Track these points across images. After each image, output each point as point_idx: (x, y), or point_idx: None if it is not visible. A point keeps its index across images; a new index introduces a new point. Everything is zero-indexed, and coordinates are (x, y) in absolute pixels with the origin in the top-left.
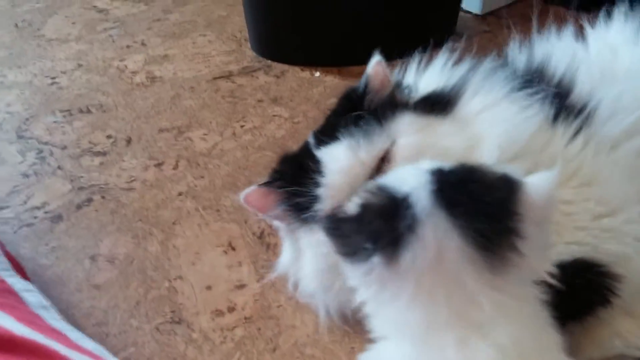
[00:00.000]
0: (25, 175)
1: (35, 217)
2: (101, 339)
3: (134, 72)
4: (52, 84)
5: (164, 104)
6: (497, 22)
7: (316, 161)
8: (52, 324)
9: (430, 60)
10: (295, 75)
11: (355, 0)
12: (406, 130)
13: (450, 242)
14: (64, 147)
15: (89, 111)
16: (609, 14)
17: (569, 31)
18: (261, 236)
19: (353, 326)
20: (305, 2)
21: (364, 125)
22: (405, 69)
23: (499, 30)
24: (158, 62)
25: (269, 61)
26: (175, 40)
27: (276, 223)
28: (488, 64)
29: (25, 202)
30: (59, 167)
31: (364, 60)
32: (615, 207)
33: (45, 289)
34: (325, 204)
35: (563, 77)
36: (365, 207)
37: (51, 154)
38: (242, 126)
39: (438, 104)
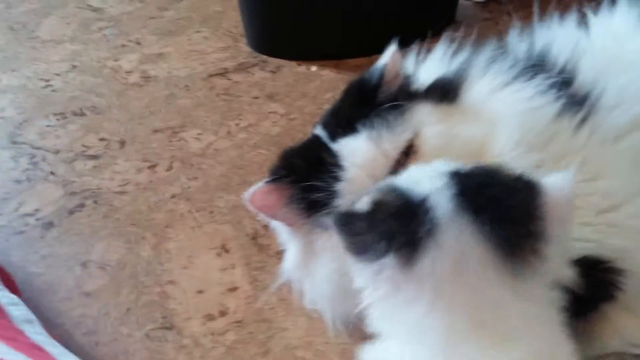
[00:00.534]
0: (18, 182)
1: (27, 225)
2: (91, 348)
3: (129, 72)
4: (46, 86)
5: (158, 104)
6: (498, 8)
7: (333, 154)
8: (34, 338)
9: (429, 49)
10: (292, 70)
11: None
12: (428, 120)
13: (474, 249)
14: (57, 152)
15: (82, 114)
16: (612, 1)
17: (571, 18)
18: (254, 237)
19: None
20: None
21: (384, 115)
22: (405, 59)
23: (500, 17)
24: (153, 61)
25: (265, 56)
26: (171, 37)
27: (276, 224)
28: (490, 50)
29: (17, 209)
30: (52, 172)
31: (362, 53)
32: (620, 200)
33: (35, 298)
34: (345, 199)
35: (565, 64)
36: (377, 206)
37: (44, 159)
38: (237, 124)
39: (447, 92)
